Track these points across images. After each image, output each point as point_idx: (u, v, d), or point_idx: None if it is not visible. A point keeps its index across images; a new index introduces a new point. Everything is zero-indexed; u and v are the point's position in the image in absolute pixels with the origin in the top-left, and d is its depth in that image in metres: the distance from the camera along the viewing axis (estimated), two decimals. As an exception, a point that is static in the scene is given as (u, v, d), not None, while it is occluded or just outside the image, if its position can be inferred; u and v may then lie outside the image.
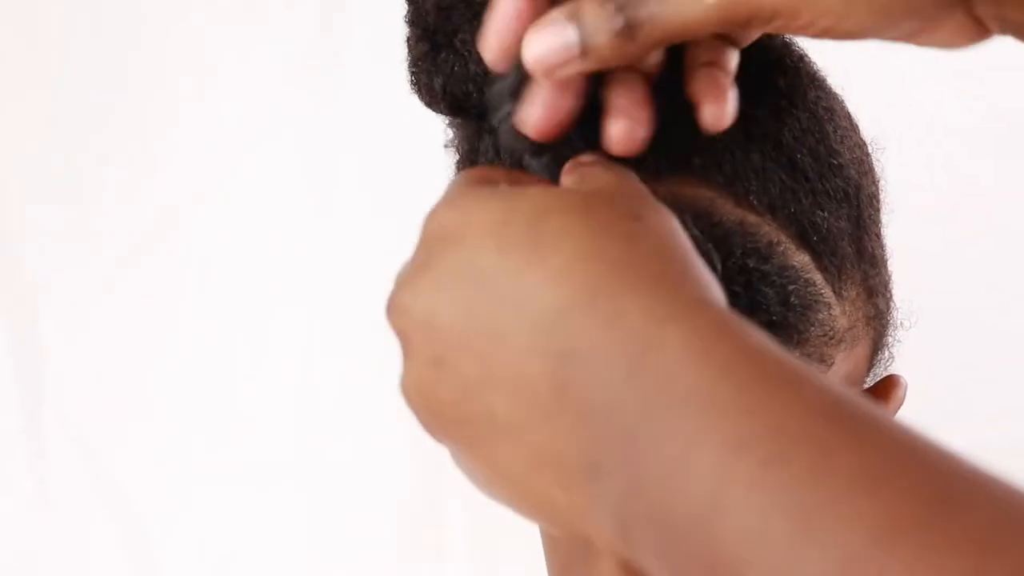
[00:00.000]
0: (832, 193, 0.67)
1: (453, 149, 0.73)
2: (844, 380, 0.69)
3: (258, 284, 1.39)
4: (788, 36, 0.69)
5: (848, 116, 0.71)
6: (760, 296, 0.62)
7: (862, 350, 0.69)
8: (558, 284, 0.50)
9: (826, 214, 0.67)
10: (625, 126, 0.59)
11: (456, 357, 0.52)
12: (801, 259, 0.65)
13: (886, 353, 0.73)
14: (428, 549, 1.36)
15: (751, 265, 0.63)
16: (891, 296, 0.72)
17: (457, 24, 0.66)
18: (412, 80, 0.68)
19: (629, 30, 0.56)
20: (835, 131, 0.69)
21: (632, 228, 0.51)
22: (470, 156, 0.70)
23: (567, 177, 0.58)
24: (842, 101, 0.71)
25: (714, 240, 0.61)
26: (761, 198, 0.65)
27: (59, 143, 1.41)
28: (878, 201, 0.71)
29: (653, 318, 0.47)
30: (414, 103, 1.37)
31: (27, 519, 1.39)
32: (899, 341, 0.73)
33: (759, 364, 0.46)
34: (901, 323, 0.73)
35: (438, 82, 0.66)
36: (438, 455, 1.37)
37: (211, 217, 1.39)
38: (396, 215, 1.38)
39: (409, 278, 0.55)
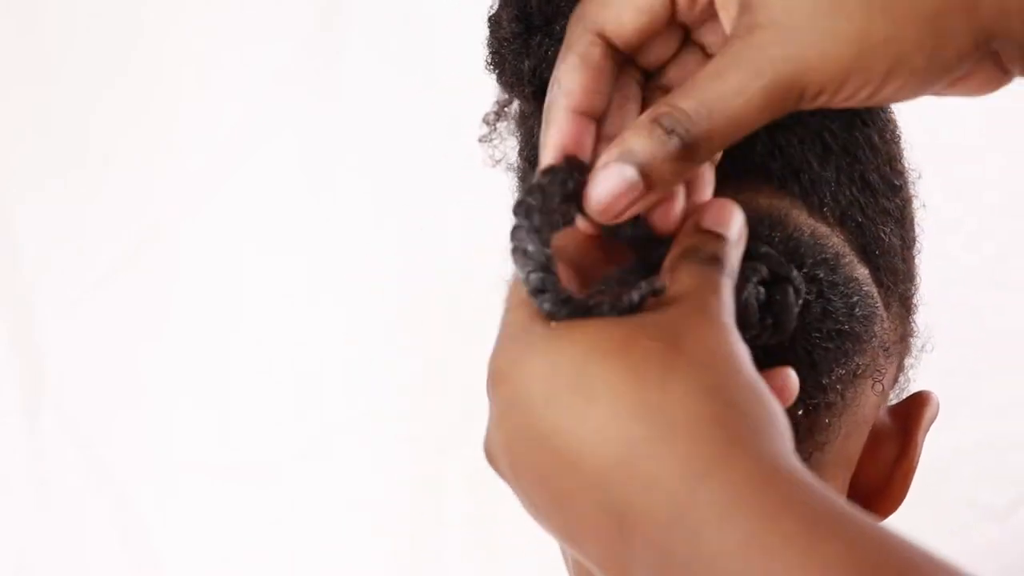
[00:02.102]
0: (891, 211, 0.69)
1: (515, 133, 0.71)
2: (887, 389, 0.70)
3: (258, 284, 1.38)
4: None
5: (900, 140, 0.73)
6: (830, 305, 0.64)
7: (892, 370, 0.70)
8: (602, 443, 0.51)
9: (888, 230, 0.68)
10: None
11: (541, 506, 0.54)
12: (862, 272, 0.66)
13: (903, 376, 0.73)
14: (429, 548, 1.36)
15: (820, 275, 0.64)
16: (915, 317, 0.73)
17: (560, 8, 0.64)
18: (494, 59, 0.67)
19: (686, 150, 0.55)
20: (898, 152, 0.71)
21: (671, 363, 0.52)
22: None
23: (666, 275, 0.57)
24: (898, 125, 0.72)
25: (788, 250, 0.63)
26: (833, 210, 0.67)
27: (58, 141, 1.40)
28: (915, 223, 0.73)
29: (684, 481, 0.49)
30: (413, 103, 1.37)
31: (27, 519, 1.39)
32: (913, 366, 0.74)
33: (783, 528, 0.48)
34: (923, 346, 0.74)
35: (528, 65, 0.65)
36: (439, 454, 1.37)
37: (210, 216, 1.39)
38: (396, 215, 1.39)
39: (490, 421, 0.56)
